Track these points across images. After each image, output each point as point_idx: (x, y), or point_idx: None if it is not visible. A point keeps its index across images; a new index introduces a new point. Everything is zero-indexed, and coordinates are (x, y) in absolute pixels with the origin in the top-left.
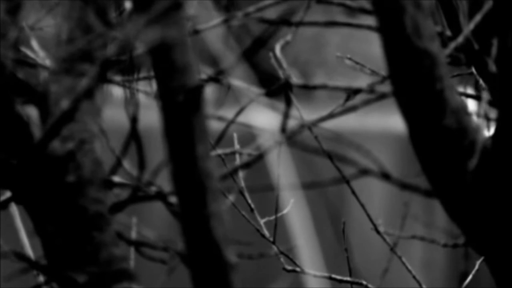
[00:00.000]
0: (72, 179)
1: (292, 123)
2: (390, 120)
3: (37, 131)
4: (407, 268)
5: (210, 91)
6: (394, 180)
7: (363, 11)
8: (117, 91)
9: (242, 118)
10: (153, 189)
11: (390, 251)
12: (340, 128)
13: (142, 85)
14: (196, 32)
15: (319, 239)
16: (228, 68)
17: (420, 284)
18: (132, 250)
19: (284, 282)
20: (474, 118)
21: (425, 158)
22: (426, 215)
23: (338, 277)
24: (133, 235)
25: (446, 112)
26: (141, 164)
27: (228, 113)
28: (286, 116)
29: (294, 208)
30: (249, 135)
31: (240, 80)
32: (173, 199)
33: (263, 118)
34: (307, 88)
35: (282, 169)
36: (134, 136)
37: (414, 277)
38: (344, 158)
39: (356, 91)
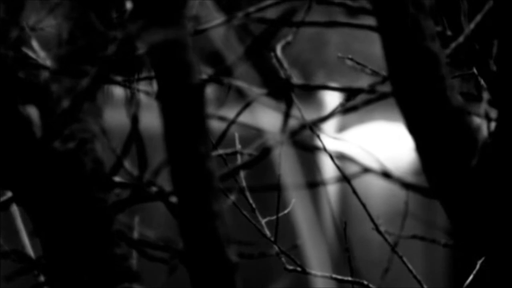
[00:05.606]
0: (73, 179)
1: (293, 123)
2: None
3: (38, 132)
4: (408, 268)
5: (211, 91)
6: (394, 179)
7: (364, 11)
8: (118, 91)
9: (247, 118)
10: (154, 189)
11: (391, 251)
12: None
13: (143, 85)
14: (197, 32)
15: (324, 238)
16: (232, 67)
17: (421, 284)
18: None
19: (285, 282)
20: (475, 117)
21: (426, 158)
22: (426, 215)
23: (339, 277)
24: (135, 235)
25: (447, 112)
26: (142, 164)
27: (229, 113)
28: (287, 116)
29: (299, 207)
30: (250, 135)
31: (243, 80)
32: (174, 199)
33: (269, 118)
34: (308, 88)
35: (287, 168)
36: (135, 136)
37: (415, 276)
38: (345, 157)
39: (357, 91)
